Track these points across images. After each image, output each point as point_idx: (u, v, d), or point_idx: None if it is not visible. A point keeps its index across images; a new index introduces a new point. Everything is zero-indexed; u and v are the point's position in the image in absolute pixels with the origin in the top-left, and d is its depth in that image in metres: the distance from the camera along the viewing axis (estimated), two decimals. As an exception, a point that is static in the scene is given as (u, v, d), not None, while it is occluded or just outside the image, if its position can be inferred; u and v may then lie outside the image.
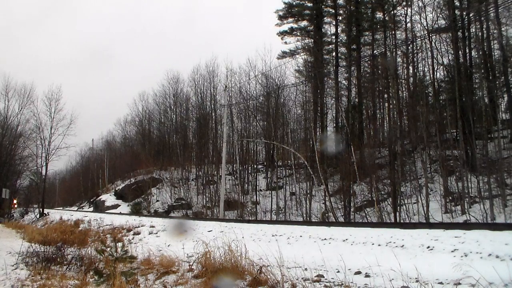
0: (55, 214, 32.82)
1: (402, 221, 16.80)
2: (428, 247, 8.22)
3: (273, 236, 12.08)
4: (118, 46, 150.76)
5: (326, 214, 21.88)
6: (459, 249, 7.62)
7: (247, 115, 35.21)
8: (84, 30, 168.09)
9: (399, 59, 25.55)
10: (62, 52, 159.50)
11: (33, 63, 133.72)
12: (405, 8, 25.42)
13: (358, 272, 7.35)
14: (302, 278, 6.27)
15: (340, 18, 33.11)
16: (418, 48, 24.14)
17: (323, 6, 34.28)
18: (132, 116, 55.06)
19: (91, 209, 43.91)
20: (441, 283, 6.20)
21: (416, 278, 5.82)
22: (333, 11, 33.56)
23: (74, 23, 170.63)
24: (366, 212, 19.39)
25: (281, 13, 34.84)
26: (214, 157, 36.86)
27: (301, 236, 11.56)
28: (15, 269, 8.69)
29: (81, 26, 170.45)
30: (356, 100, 30.52)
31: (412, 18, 24.09)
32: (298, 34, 35.46)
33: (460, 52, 20.67)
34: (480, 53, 22.44)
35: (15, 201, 39.18)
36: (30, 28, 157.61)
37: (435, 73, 22.99)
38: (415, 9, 23.20)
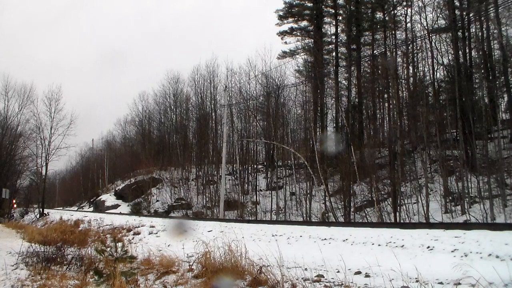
0: (55, 214, 32.81)
1: (402, 221, 16.81)
2: (428, 247, 8.22)
3: (273, 236, 12.07)
4: (118, 46, 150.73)
5: (326, 214, 21.88)
6: (459, 249, 7.62)
7: (247, 115, 35.23)
8: (83, 31, 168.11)
9: (399, 59, 25.53)
10: (61, 52, 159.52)
11: (33, 63, 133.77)
12: (405, 8, 25.47)
13: (358, 272, 7.35)
14: (302, 278, 6.27)
15: (340, 18, 33.12)
16: (418, 48, 24.16)
17: (323, 6, 34.30)
18: (132, 116, 55.16)
19: (91, 209, 43.91)
20: (441, 283, 6.20)
21: (416, 278, 5.82)
22: (333, 11, 33.57)
23: (74, 24, 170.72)
24: (366, 212, 19.39)
25: (281, 13, 34.90)
26: (214, 157, 36.86)
27: (301, 236, 11.55)
28: (15, 269, 8.69)
29: (81, 27, 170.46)
30: (356, 100, 30.50)
31: (412, 18, 24.14)
32: (298, 34, 35.49)
33: (460, 52, 20.66)
34: (480, 53, 22.44)
35: (14, 201, 39.11)
36: (31, 29, 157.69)
37: (435, 73, 23.02)
38: (415, 9, 23.22)
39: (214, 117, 39.36)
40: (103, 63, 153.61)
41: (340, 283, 6.10)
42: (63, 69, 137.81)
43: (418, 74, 24.96)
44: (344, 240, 10.15)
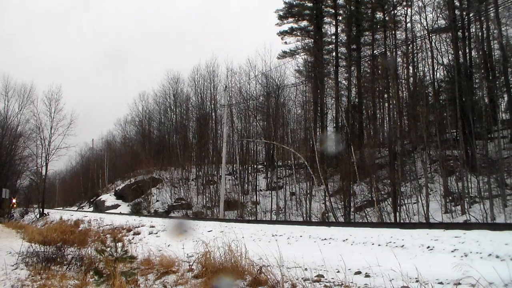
0: (55, 214, 32.81)
1: (402, 221, 16.81)
2: (428, 247, 8.21)
3: (273, 236, 12.07)
4: (118, 46, 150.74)
5: (326, 214, 21.88)
6: (459, 249, 7.62)
7: (247, 115, 35.25)
8: (84, 31, 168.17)
9: (399, 59, 25.55)
10: (61, 52, 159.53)
11: (33, 63, 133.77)
12: (405, 8, 25.47)
13: (358, 272, 7.35)
14: (302, 278, 6.27)
15: (340, 18, 33.13)
16: (418, 48, 24.16)
17: (323, 6, 34.31)
18: (132, 116, 55.16)
19: (91, 209, 43.91)
20: (441, 283, 6.20)
21: (416, 278, 5.81)
22: (333, 11, 33.58)
23: (74, 24, 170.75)
24: (366, 212, 19.38)
25: (281, 13, 34.91)
26: (214, 157, 36.86)
27: (301, 236, 11.55)
28: (15, 269, 8.69)
29: (81, 27, 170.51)
30: (356, 100, 30.51)
31: (412, 18, 24.13)
32: (298, 34, 35.50)
33: (460, 52, 20.66)
34: (480, 53, 22.43)
35: (14, 201, 39.08)
36: (31, 29, 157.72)
37: (435, 73, 23.03)
38: (415, 9, 23.22)
39: (214, 117, 39.40)
40: (103, 63, 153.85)
41: (340, 283, 6.10)
42: (63, 69, 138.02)
43: (418, 74, 24.98)
44: (344, 240, 10.15)
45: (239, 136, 35.84)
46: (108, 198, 41.44)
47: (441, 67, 22.48)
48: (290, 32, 35.14)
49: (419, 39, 22.46)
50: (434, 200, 17.71)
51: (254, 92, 34.57)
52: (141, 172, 40.84)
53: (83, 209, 47.62)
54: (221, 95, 36.66)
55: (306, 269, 6.79)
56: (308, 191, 24.81)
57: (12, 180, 39.30)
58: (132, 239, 15.71)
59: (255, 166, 34.31)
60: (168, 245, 11.68)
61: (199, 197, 33.76)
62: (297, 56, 35.00)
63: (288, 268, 6.78)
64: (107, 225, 20.94)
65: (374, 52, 29.50)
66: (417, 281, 5.55)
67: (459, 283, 5.53)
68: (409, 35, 24.51)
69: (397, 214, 17.66)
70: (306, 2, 34.75)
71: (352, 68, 30.31)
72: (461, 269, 5.47)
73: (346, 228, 12.22)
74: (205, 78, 39.97)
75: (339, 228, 12.36)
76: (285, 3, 34.61)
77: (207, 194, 32.74)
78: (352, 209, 20.58)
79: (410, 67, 25.48)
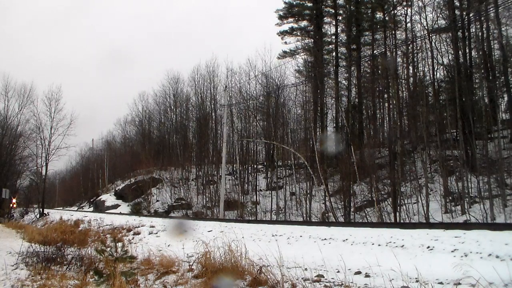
0: (55, 214, 32.82)
1: (402, 221, 16.81)
2: (428, 247, 8.21)
3: (273, 236, 12.07)
4: (118, 47, 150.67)
5: (326, 214, 21.88)
6: (459, 249, 7.62)
7: (247, 115, 35.24)
8: (84, 32, 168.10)
9: (399, 59, 25.53)
10: (61, 53, 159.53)
11: (33, 63, 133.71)
12: (405, 8, 25.45)
13: (358, 272, 7.35)
14: (302, 278, 6.28)
15: (340, 18, 33.14)
16: (418, 48, 24.15)
17: (323, 6, 34.31)
18: (132, 116, 55.15)
19: (91, 209, 43.91)
20: (441, 283, 6.20)
21: (416, 278, 5.82)
22: (333, 11, 33.58)
23: (74, 25, 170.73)
24: (366, 212, 19.38)
25: (281, 12, 34.90)
26: (214, 157, 36.86)
27: (301, 236, 11.55)
28: (15, 269, 8.70)
29: (82, 28, 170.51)
30: (356, 100, 30.52)
31: (412, 18, 24.12)
32: (298, 34, 35.49)
33: (460, 52, 20.65)
34: (480, 53, 22.43)
35: (14, 201, 39.09)
36: (31, 29, 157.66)
37: (435, 73, 23.02)
38: (415, 9, 23.21)
39: (214, 117, 39.40)
40: (103, 63, 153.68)
41: (340, 283, 6.11)
42: (63, 69, 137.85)
43: (418, 74, 24.97)
44: (344, 240, 10.15)
45: (239, 136, 35.84)
46: (108, 198, 41.43)
47: (441, 67, 22.49)
48: (290, 32, 35.13)
49: (419, 39, 22.47)
50: (434, 200, 17.71)
51: (254, 92, 34.61)
52: (141, 172, 40.84)
53: (83, 209, 47.62)
54: (221, 95, 36.69)
55: (306, 269, 6.79)
56: (308, 191, 24.80)
57: (12, 180, 39.32)
58: (132, 239, 15.72)
59: (255, 166, 34.31)
60: (168, 245, 11.69)
61: (199, 197, 33.76)
62: (297, 56, 35.03)
63: (288, 268, 6.78)
64: (107, 225, 20.94)
65: (374, 52, 29.54)
66: (417, 281, 5.55)
67: (459, 283, 5.53)
68: (409, 35, 24.52)
69: (397, 214, 17.66)
70: (306, 2, 34.75)
71: (352, 68, 30.33)
72: (461, 269, 5.47)
73: (346, 228, 12.22)
74: (205, 78, 40.03)
75: (339, 228, 12.35)
76: (285, 3, 34.64)
77: (207, 194, 32.74)
78: (352, 209, 20.57)
79: (410, 67, 25.51)
